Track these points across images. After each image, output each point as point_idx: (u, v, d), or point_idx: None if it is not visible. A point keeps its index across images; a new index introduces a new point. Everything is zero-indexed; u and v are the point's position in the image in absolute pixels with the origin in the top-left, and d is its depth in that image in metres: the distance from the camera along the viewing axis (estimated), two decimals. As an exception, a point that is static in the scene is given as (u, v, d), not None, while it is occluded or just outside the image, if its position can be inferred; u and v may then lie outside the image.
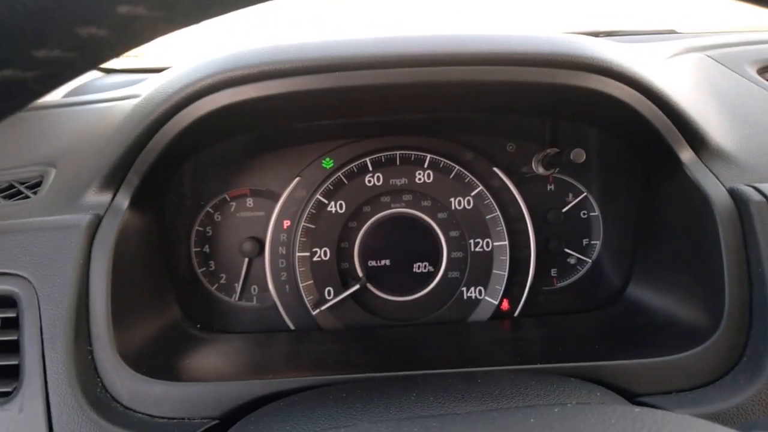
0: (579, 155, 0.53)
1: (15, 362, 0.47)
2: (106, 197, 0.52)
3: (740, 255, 0.49)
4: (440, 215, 0.67)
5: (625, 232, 0.65)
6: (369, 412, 0.39)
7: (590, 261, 0.69)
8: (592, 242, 0.69)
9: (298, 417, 0.40)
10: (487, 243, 0.66)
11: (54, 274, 0.48)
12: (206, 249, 0.68)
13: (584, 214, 0.69)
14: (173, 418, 0.45)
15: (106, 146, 0.54)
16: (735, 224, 0.49)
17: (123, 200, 0.52)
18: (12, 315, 0.48)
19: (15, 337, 0.47)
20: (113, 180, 0.52)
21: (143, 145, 0.52)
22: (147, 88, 0.57)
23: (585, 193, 0.68)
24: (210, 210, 0.68)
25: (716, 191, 0.51)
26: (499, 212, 0.65)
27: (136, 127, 0.52)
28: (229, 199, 0.68)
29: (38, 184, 0.56)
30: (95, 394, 0.45)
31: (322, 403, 0.42)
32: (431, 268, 0.67)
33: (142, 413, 0.45)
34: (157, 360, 0.50)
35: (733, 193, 0.50)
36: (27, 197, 0.55)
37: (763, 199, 0.49)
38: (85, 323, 0.48)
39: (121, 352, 0.47)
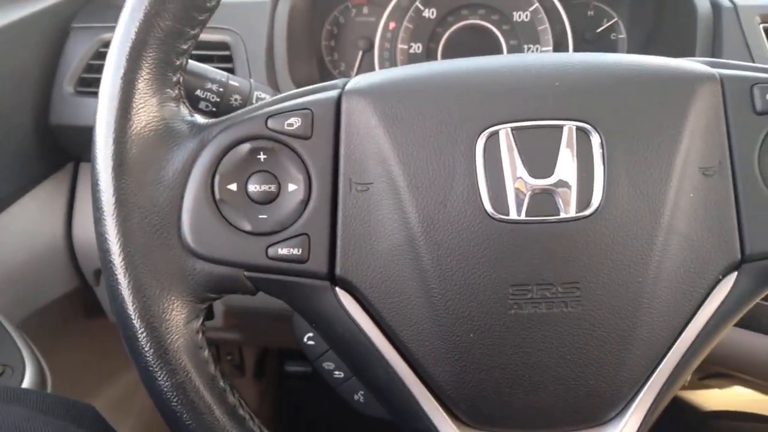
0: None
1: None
2: None
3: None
4: (504, 27, 0.90)
5: (642, 51, 0.88)
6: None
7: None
8: (617, 58, 0.92)
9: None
10: (537, 48, 0.90)
11: (251, 28, 0.76)
12: (332, 43, 0.95)
13: (614, 36, 0.91)
14: None
15: None
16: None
17: (293, -14, 0.78)
18: (227, 53, 0.76)
19: (231, 65, 0.75)
20: None
21: None
22: None
23: (616, 19, 0.90)
24: (336, 14, 0.94)
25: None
26: (548, 25, 0.88)
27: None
28: (351, 6, 0.94)
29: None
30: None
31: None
32: (493, 68, 0.91)
33: None
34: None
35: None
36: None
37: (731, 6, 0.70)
38: (272, 60, 0.76)
39: (294, 81, 0.76)
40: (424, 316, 0.38)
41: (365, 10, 0.94)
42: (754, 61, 0.69)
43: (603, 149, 0.37)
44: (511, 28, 0.91)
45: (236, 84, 0.54)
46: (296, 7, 0.80)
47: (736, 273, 0.39)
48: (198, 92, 0.52)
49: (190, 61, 0.53)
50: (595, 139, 0.37)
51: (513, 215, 0.37)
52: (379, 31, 0.93)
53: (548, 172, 0.37)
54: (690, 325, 0.39)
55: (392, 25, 0.93)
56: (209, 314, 0.80)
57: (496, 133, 0.38)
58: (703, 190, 0.38)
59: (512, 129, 0.38)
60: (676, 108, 0.38)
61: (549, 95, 0.38)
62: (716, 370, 0.83)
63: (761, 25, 0.69)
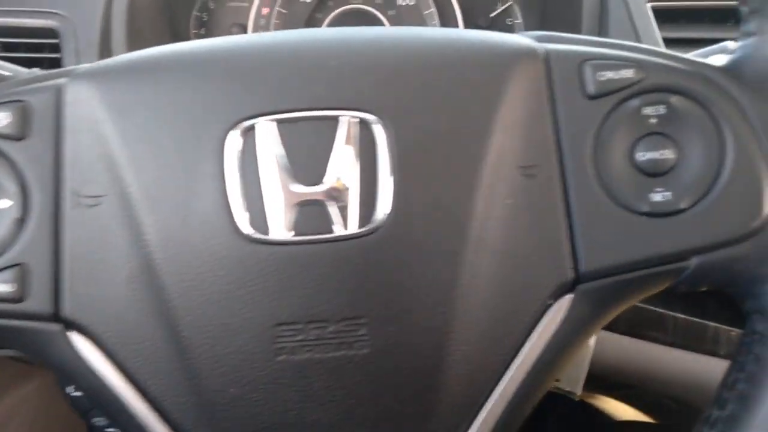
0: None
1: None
2: None
3: None
4: (390, 12, 0.82)
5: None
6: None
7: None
8: (514, 45, 0.85)
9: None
10: (423, 34, 0.82)
11: (83, 12, 0.66)
12: (202, 31, 0.85)
13: (509, 21, 0.84)
14: None
15: None
16: None
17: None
18: (56, 41, 0.66)
19: (59, 55, 0.65)
20: None
21: None
22: None
23: (511, 2, 0.83)
24: (206, -1, 0.84)
25: None
26: (435, 9, 0.81)
27: None
28: (221, -9, 0.84)
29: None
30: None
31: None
32: (380, 57, 0.83)
33: None
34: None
35: None
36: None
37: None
38: (109, 51, 0.66)
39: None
40: (173, 366, 0.30)
41: (237, -6, 0.86)
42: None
43: (390, 147, 0.29)
44: (397, 13, 0.84)
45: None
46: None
47: (570, 296, 0.32)
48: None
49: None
50: (380, 134, 0.29)
51: (274, 234, 0.29)
52: (251, 17, 0.84)
53: (319, 177, 0.29)
54: (514, 364, 0.31)
55: (265, 10, 0.84)
56: None
57: (253, 127, 0.29)
58: (524, 194, 0.31)
59: (274, 122, 0.29)
60: (487, 93, 0.30)
61: (321, 78, 0.30)
62: (623, 381, 0.77)
63: (648, 5, 0.62)
